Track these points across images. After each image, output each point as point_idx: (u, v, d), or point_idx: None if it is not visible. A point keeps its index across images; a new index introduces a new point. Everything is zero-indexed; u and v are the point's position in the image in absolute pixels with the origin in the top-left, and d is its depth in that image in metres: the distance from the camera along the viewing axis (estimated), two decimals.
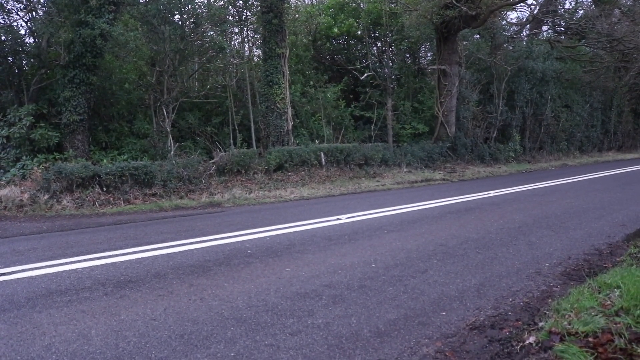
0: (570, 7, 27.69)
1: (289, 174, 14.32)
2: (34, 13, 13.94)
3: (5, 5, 13.50)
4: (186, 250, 5.76)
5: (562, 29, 28.18)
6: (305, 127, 18.19)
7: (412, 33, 20.39)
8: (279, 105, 15.47)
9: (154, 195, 11.47)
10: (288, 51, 16.17)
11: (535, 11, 25.73)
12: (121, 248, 6.01)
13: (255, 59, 19.91)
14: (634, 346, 2.61)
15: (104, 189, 11.09)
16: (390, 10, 19.91)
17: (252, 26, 19.49)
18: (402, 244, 5.75)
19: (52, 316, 3.56)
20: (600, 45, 26.40)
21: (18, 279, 4.65)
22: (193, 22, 16.02)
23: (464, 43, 22.03)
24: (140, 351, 2.91)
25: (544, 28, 28.29)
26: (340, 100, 19.24)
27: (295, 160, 14.61)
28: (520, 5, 24.81)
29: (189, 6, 15.19)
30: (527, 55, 22.72)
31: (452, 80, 19.22)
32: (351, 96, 20.95)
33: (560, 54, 25.90)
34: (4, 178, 11.81)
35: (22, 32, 14.67)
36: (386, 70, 20.14)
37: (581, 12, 27.57)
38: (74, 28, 12.73)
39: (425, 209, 8.77)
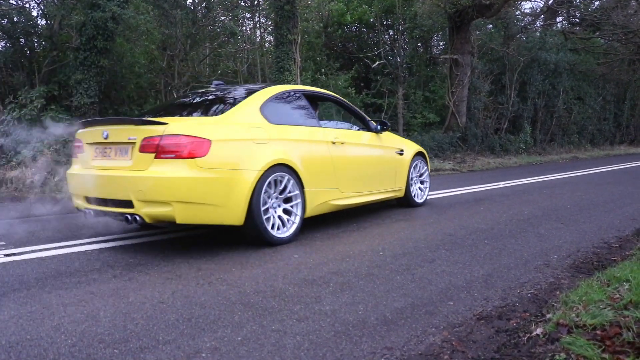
0: None
1: None
2: None
3: None
4: (195, 235, 5.79)
5: (577, 20, 27.85)
6: None
7: (425, 22, 20.23)
8: None
9: None
10: (300, 38, 16.10)
11: (550, 2, 25.43)
12: (130, 231, 6.05)
13: (267, 45, 19.85)
14: None
15: None
16: None
17: (264, 12, 19.41)
18: (411, 233, 5.74)
19: (62, 297, 3.59)
20: (615, 37, 26.10)
21: (28, 259, 4.69)
22: (205, 6, 15.97)
23: (477, 33, 21.84)
24: (147, 333, 2.93)
25: (559, 19, 27.97)
26: (351, 88, 19.16)
27: None
28: None
29: None
30: (541, 46, 22.50)
31: (464, 70, 19.08)
32: (362, 84, 20.86)
33: (574, 45, 25.63)
34: (15, 159, 11.89)
35: (35, 13, 14.70)
36: (398, 59, 20.02)
37: (597, 3, 27.22)
38: (85, 10, 12.72)
39: (434, 198, 8.74)
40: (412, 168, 7.60)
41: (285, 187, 5.23)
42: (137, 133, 4.65)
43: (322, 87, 18.34)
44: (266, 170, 4.94)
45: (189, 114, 5.66)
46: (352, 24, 21.96)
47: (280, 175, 5.13)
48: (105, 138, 4.89)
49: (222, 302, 3.44)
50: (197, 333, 2.94)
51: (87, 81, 12.91)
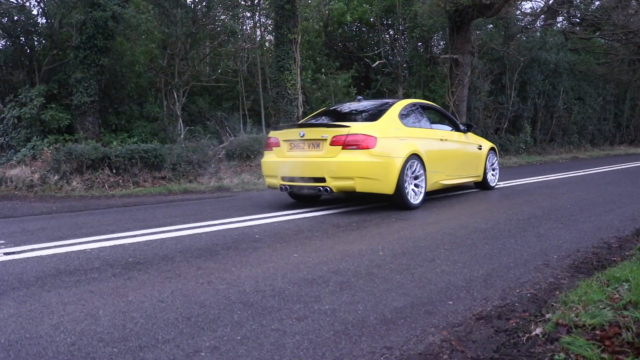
0: None
1: None
2: None
3: None
4: (194, 234, 5.79)
5: (577, 20, 27.84)
6: None
7: (425, 21, 20.22)
8: (289, 91, 15.42)
9: (163, 178, 11.52)
10: (300, 37, 16.09)
11: (550, 1, 25.42)
12: (130, 230, 6.05)
13: (267, 44, 19.84)
14: None
15: (114, 171, 11.15)
16: None
17: (264, 11, 19.40)
18: (410, 232, 5.74)
19: (61, 296, 3.59)
20: (616, 38, 26.09)
21: (27, 258, 4.69)
22: (205, 5, 15.98)
23: (477, 32, 21.83)
24: (147, 332, 2.93)
25: (559, 19, 27.96)
26: (352, 87, 19.15)
27: None
28: None
29: None
30: (541, 46, 22.49)
31: (464, 69, 19.07)
32: (362, 84, 20.86)
33: (574, 45, 25.62)
34: (14, 158, 11.89)
35: (35, 12, 14.70)
36: (398, 58, 20.02)
37: (597, 3, 27.21)
38: (86, 9, 12.72)
39: (433, 198, 8.74)
40: (487, 160, 9.81)
41: (416, 169, 7.45)
42: (328, 133, 6.99)
43: (321, 86, 18.37)
44: (406, 158, 7.16)
45: (353, 119, 7.89)
46: (352, 24, 21.96)
47: (413, 161, 7.37)
48: (302, 136, 7.21)
49: (221, 301, 3.44)
50: (197, 332, 2.94)
51: (87, 80, 12.90)
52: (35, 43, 14.29)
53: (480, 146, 9.68)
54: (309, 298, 3.50)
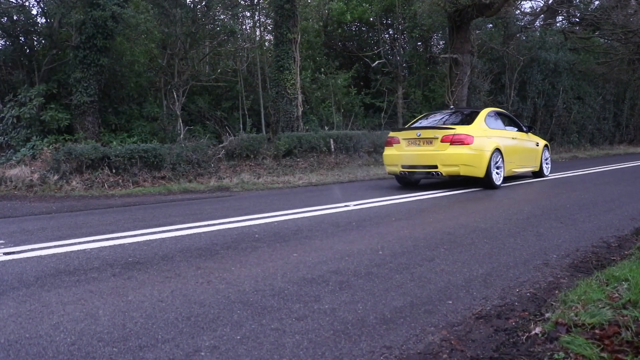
0: None
1: (298, 160, 14.32)
2: None
3: None
4: (194, 234, 5.79)
5: (577, 19, 27.84)
6: (315, 113, 18.16)
7: (425, 21, 20.23)
8: (289, 91, 15.43)
9: (162, 178, 11.52)
10: (299, 37, 16.09)
11: (550, 1, 25.43)
12: (129, 230, 6.05)
13: (267, 44, 19.84)
14: None
15: (113, 170, 11.15)
16: None
17: (263, 11, 19.40)
18: (410, 232, 5.74)
19: (61, 295, 3.59)
20: (615, 37, 26.08)
21: (27, 258, 4.69)
22: (204, 5, 15.97)
23: (477, 32, 21.83)
24: (147, 332, 2.94)
25: (558, 18, 27.96)
26: (351, 87, 19.15)
27: (305, 147, 14.60)
28: None
29: None
30: (540, 45, 22.51)
31: (463, 69, 19.07)
32: (362, 83, 20.87)
33: (573, 45, 25.62)
34: (14, 158, 11.89)
35: (34, 12, 14.70)
36: (397, 58, 20.02)
37: (597, 2, 27.21)
38: (85, 9, 12.72)
39: (434, 197, 8.75)
40: (543, 154, 12.08)
41: (498, 160, 9.88)
42: (439, 133, 9.53)
43: (321, 86, 18.37)
44: (492, 151, 9.59)
45: (453, 123, 10.38)
46: (351, 23, 21.98)
47: (496, 154, 9.79)
48: (418, 136, 9.80)
49: (221, 301, 3.44)
50: (196, 332, 2.94)
51: (87, 80, 12.91)
52: (35, 43, 14.29)
53: (538, 143, 12.01)
54: (308, 298, 3.50)
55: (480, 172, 9.43)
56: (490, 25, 23.04)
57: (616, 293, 3.28)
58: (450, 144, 9.35)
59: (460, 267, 4.22)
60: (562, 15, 27.99)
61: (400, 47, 21.28)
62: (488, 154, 9.47)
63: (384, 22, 21.59)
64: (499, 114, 11.23)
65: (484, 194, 9.22)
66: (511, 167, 10.55)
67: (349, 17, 20.77)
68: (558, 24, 27.76)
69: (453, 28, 19.06)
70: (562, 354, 2.53)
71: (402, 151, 9.98)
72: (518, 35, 23.14)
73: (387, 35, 22.23)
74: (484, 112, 10.47)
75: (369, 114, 20.04)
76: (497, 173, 9.83)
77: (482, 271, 4.11)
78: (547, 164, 12.40)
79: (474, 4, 17.23)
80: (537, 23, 26.44)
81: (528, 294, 3.57)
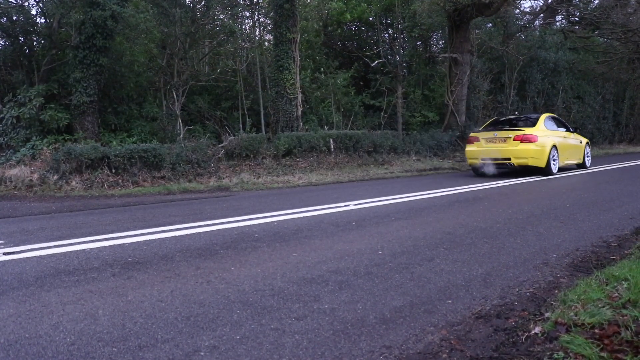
0: None
1: (298, 159, 14.32)
2: None
3: None
4: (193, 234, 5.79)
5: (576, 19, 27.85)
6: (315, 113, 18.15)
7: (424, 20, 20.23)
8: (289, 91, 15.43)
9: (162, 178, 11.52)
10: (299, 36, 16.09)
11: (550, 0, 25.42)
12: (129, 230, 6.05)
13: (266, 43, 19.84)
14: None
15: (113, 170, 11.15)
16: None
17: (263, 10, 19.40)
18: (410, 231, 5.74)
19: (60, 295, 3.59)
20: (615, 36, 26.08)
21: (27, 258, 4.69)
22: (204, 5, 15.96)
23: (476, 31, 21.83)
24: (146, 332, 2.93)
25: (558, 18, 27.96)
26: (351, 87, 19.15)
27: (304, 146, 14.60)
28: None
29: None
30: (540, 45, 22.52)
31: (463, 68, 19.09)
32: (361, 83, 20.87)
33: (573, 44, 25.63)
34: (14, 158, 11.89)
35: (34, 12, 14.69)
36: (397, 58, 20.01)
37: (596, 1, 27.22)
38: (84, 9, 12.72)
39: (434, 197, 8.75)
40: (585, 149, 14.73)
41: (554, 154, 12.60)
42: (512, 133, 12.31)
43: (320, 85, 18.37)
44: (551, 147, 12.34)
45: (520, 126, 13.02)
46: (351, 23, 21.98)
47: (553, 149, 12.49)
48: (495, 136, 12.62)
49: (220, 301, 3.44)
50: (196, 332, 2.94)
51: (87, 80, 12.90)
52: (34, 43, 14.28)
53: (581, 141, 14.73)
54: (308, 297, 3.50)
55: (542, 163, 12.35)
56: (490, 24, 23.05)
57: (616, 292, 3.28)
58: (521, 142, 12.25)
59: (459, 267, 4.22)
60: (562, 15, 28.02)
61: (400, 47, 21.27)
62: (548, 149, 12.39)
63: (384, 21, 21.58)
64: (553, 117, 14.10)
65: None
66: (563, 159, 13.23)
67: (348, 16, 20.76)
68: (558, 24, 27.78)
69: (452, 27, 19.08)
70: (561, 354, 2.53)
71: (482, 147, 12.89)
72: (517, 34, 23.14)
73: (386, 35, 22.22)
74: (543, 117, 13.35)
75: (369, 114, 20.04)
76: (553, 164, 12.67)
77: (482, 271, 4.11)
78: (588, 157, 15.01)
79: (474, 3, 17.25)
80: (536, 22, 26.45)
81: (528, 293, 3.57)
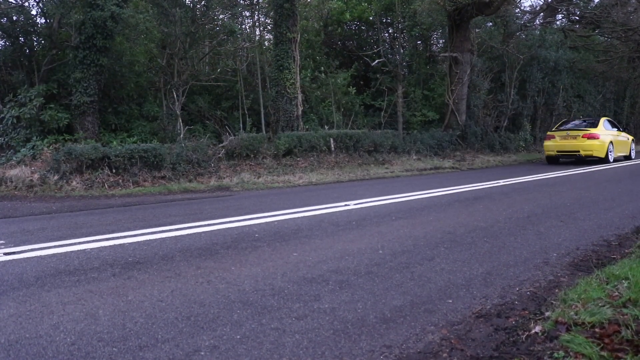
0: None
1: (298, 159, 14.32)
2: None
3: None
4: (194, 233, 5.79)
5: (577, 17, 27.81)
6: (315, 112, 18.14)
7: (424, 20, 20.21)
8: (289, 90, 15.42)
9: (162, 178, 11.51)
10: (299, 36, 16.08)
11: None
12: (129, 230, 6.05)
13: (266, 43, 19.83)
14: None
15: (114, 170, 11.14)
16: None
17: (263, 10, 19.39)
18: (410, 231, 5.74)
19: (61, 295, 3.60)
20: (615, 35, 26.05)
21: (27, 258, 4.69)
22: (204, 5, 15.96)
23: (477, 30, 21.81)
24: (147, 332, 2.94)
25: (558, 17, 27.94)
26: (351, 86, 19.14)
27: (305, 146, 14.59)
28: None
29: None
30: (540, 44, 22.48)
31: (463, 68, 19.08)
32: (362, 82, 20.85)
33: (573, 43, 25.60)
34: (14, 158, 11.89)
35: (34, 12, 14.68)
36: (397, 57, 20.01)
37: (596, 0, 27.18)
38: (84, 9, 12.71)
39: (434, 196, 8.75)
40: (631, 145, 18.48)
41: (610, 148, 16.59)
42: (580, 132, 16.52)
43: (321, 85, 18.35)
44: (608, 143, 16.47)
45: (584, 127, 16.91)
46: (351, 22, 21.95)
47: (610, 144, 16.59)
48: (567, 134, 16.78)
49: (221, 301, 3.45)
50: (196, 331, 2.94)
51: (87, 80, 12.90)
52: (35, 43, 14.27)
53: (628, 138, 18.65)
54: (308, 297, 3.50)
55: (602, 154, 16.17)
56: (490, 23, 23.02)
57: (616, 292, 3.28)
58: (587, 139, 16.13)
59: (460, 266, 4.22)
60: (562, 14, 27.98)
61: (400, 46, 21.26)
62: (607, 144, 16.27)
63: (384, 21, 21.56)
64: (608, 120, 18.11)
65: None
66: (616, 152, 17.16)
67: (348, 16, 20.74)
68: (558, 22, 27.74)
69: (453, 27, 19.07)
70: (562, 353, 2.53)
71: (557, 143, 16.86)
72: (518, 33, 23.10)
73: (386, 34, 22.21)
74: (602, 120, 17.41)
75: (369, 113, 20.02)
76: (610, 155, 16.46)
77: (482, 270, 4.11)
78: (633, 150, 18.87)
79: (474, 2, 17.24)
80: (536, 21, 26.39)
81: (528, 292, 3.58)
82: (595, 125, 16.78)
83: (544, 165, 16.40)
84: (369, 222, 6.37)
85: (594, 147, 15.93)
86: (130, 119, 14.63)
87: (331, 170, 13.89)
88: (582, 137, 16.14)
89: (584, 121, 18.11)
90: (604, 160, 16.18)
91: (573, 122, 18.55)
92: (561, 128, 17.57)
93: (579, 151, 16.15)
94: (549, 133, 17.62)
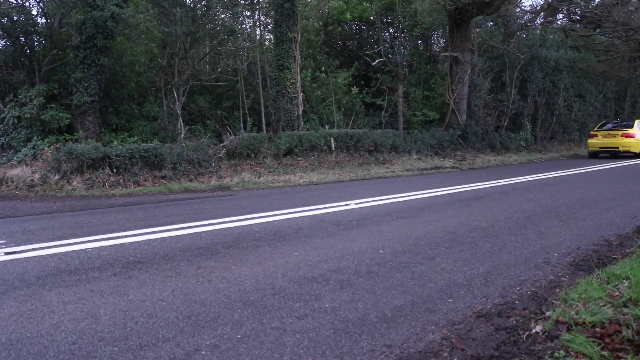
0: None
1: (299, 158, 14.32)
2: None
3: None
4: (195, 233, 5.79)
5: (577, 17, 27.78)
6: (316, 112, 18.13)
7: (425, 19, 20.19)
8: (289, 90, 15.42)
9: (163, 177, 11.51)
10: (299, 35, 16.07)
11: None
12: (130, 229, 6.05)
13: (267, 43, 19.82)
14: None
15: (114, 170, 11.15)
16: None
17: (263, 10, 19.39)
18: (411, 230, 5.74)
19: (62, 295, 3.60)
20: (616, 35, 26.02)
21: (28, 257, 4.69)
22: (204, 4, 15.95)
23: (477, 30, 21.79)
24: (147, 331, 2.94)
25: (559, 16, 27.91)
26: (351, 86, 19.13)
27: (305, 145, 14.59)
28: None
29: None
30: (541, 43, 22.44)
31: (464, 67, 19.06)
32: (362, 82, 20.83)
33: (574, 42, 25.57)
34: (15, 158, 11.89)
35: (34, 12, 14.68)
36: (398, 57, 19.99)
37: (597, 0, 27.16)
38: (85, 9, 12.71)
39: (435, 196, 8.75)
40: None
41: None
42: (619, 132, 19.92)
43: (321, 85, 18.35)
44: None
45: (620, 127, 20.27)
46: (351, 22, 21.94)
47: None
48: (608, 134, 20.12)
49: (221, 300, 3.45)
50: (197, 331, 2.95)
51: (87, 80, 12.90)
52: (35, 43, 14.27)
53: None
54: (309, 296, 3.51)
55: (638, 150, 19.00)
56: (491, 23, 22.99)
57: (617, 291, 3.28)
58: (625, 137, 19.21)
59: (460, 266, 4.22)
60: (563, 13, 27.94)
61: (401, 46, 21.23)
62: None
63: (384, 20, 21.54)
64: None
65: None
66: (636, 150, 19.17)
67: (348, 15, 20.73)
68: (558, 22, 27.70)
69: (453, 26, 19.05)
70: (562, 352, 2.53)
71: (600, 140, 19.87)
72: (518, 33, 23.07)
73: (387, 34, 22.19)
74: (637, 121, 20.02)
75: (370, 113, 20.00)
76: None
77: (483, 270, 4.11)
78: None
79: (474, 2, 17.23)
80: (537, 21, 26.38)
81: (529, 292, 3.58)
82: (630, 126, 19.96)
83: (546, 165, 16.39)
84: (369, 221, 6.37)
85: (631, 144, 19.15)
86: (131, 118, 14.63)
87: (332, 170, 13.89)
88: (621, 135, 19.40)
89: (622, 122, 21.26)
90: (639, 155, 19.25)
91: (609, 123, 21.51)
92: (602, 128, 20.81)
93: (618, 147, 19.20)
94: (592, 132, 20.84)
